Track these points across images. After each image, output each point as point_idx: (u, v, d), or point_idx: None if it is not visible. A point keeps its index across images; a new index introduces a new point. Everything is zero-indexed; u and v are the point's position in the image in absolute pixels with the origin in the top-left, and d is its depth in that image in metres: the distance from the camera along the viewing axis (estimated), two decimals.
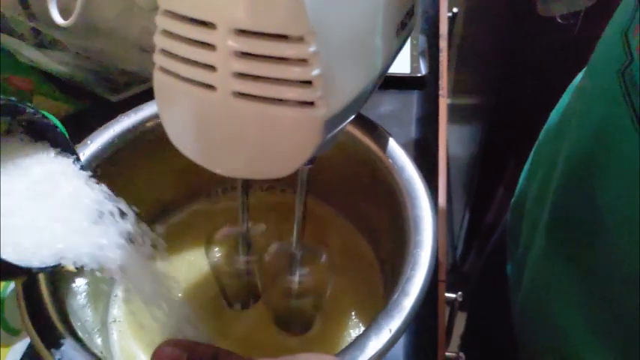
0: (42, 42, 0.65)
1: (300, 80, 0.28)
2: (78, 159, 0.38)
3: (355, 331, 0.47)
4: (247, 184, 0.42)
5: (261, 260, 0.45)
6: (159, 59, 0.30)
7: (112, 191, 0.37)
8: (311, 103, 0.28)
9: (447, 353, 0.54)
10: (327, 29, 0.28)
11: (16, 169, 0.35)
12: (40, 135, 0.37)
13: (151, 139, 0.48)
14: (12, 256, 0.31)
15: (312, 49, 0.27)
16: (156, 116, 0.48)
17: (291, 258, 0.43)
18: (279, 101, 0.28)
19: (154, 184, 0.50)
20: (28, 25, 0.63)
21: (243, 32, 0.27)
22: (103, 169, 0.43)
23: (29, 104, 0.35)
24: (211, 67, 0.28)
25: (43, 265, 0.33)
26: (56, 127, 0.37)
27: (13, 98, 0.33)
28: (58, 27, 0.61)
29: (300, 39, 0.27)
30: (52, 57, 0.63)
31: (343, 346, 0.35)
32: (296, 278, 0.43)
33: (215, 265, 0.46)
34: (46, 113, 0.37)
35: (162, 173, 0.50)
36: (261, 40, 0.27)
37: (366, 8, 0.31)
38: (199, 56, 0.28)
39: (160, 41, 0.30)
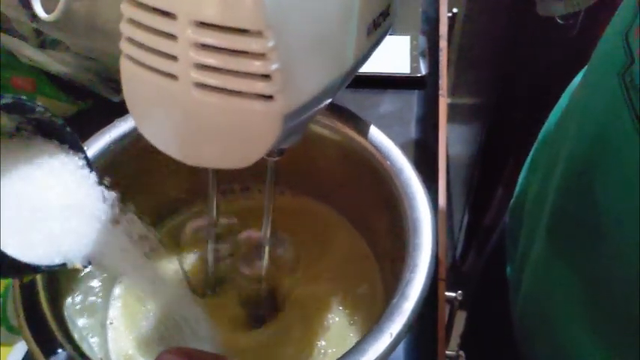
0: (44, 42, 0.65)
1: (259, 74, 0.28)
2: (86, 157, 0.38)
3: (355, 333, 0.47)
4: (217, 175, 0.42)
5: (230, 248, 0.47)
6: (125, 47, 0.31)
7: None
8: (270, 97, 0.29)
9: (447, 352, 0.55)
10: (288, 25, 0.28)
11: (26, 167, 0.35)
12: (48, 134, 0.37)
13: (148, 144, 0.48)
14: (21, 254, 0.31)
15: (270, 43, 0.27)
16: None
17: (261, 247, 0.44)
18: (239, 93, 0.29)
19: (152, 188, 0.50)
20: (29, 25, 0.63)
21: (203, 24, 0.27)
22: (100, 174, 0.44)
23: (38, 103, 0.35)
24: (173, 57, 0.29)
25: (52, 263, 0.33)
26: (65, 126, 0.37)
27: (22, 97, 0.34)
28: (59, 27, 0.61)
29: (258, 33, 0.27)
30: (53, 57, 0.63)
31: (344, 350, 0.35)
32: (264, 266, 0.44)
33: (185, 252, 0.48)
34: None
35: (160, 177, 0.50)
36: (220, 32, 0.27)
37: (331, 6, 0.31)
38: (162, 46, 0.29)
39: (125, 29, 0.30)
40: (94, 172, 0.38)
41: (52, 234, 0.34)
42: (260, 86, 0.28)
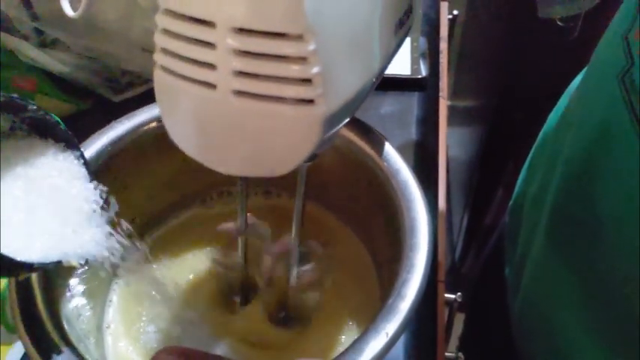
0: (44, 42, 0.65)
1: (300, 78, 0.28)
2: (82, 155, 0.38)
3: (351, 334, 0.47)
4: (247, 183, 0.42)
5: (260, 257, 0.46)
6: (159, 58, 0.30)
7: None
8: (310, 101, 0.28)
9: (446, 353, 0.55)
10: (326, 27, 0.28)
11: (21, 166, 0.35)
12: (43, 132, 0.37)
13: (145, 146, 0.48)
14: (15, 253, 0.31)
15: (311, 47, 0.27)
16: (149, 122, 0.48)
17: (290, 254, 0.43)
18: (279, 99, 0.28)
19: (149, 190, 0.50)
20: (30, 25, 0.63)
21: (242, 31, 0.27)
22: (97, 176, 0.43)
23: (31, 101, 0.35)
24: (211, 66, 0.28)
25: (46, 261, 0.33)
26: (59, 123, 0.37)
27: (14, 95, 0.33)
28: (60, 27, 0.61)
29: (299, 37, 0.27)
30: (54, 57, 0.63)
31: (340, 350, 0.35)
32: (294, 274, 0.43)
33: (215, 261, 0.47)
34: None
35: (156, 179, 0.50)
36: (260, 38, 0.27)
37: (365, 7, 0.31)
38: (199, 55, 0.28)
39: (160, 40, 0.30)
40: (89, 170, 0.38)
41: (48, 232, 0.33)
42: (301, 91, 0.28)
